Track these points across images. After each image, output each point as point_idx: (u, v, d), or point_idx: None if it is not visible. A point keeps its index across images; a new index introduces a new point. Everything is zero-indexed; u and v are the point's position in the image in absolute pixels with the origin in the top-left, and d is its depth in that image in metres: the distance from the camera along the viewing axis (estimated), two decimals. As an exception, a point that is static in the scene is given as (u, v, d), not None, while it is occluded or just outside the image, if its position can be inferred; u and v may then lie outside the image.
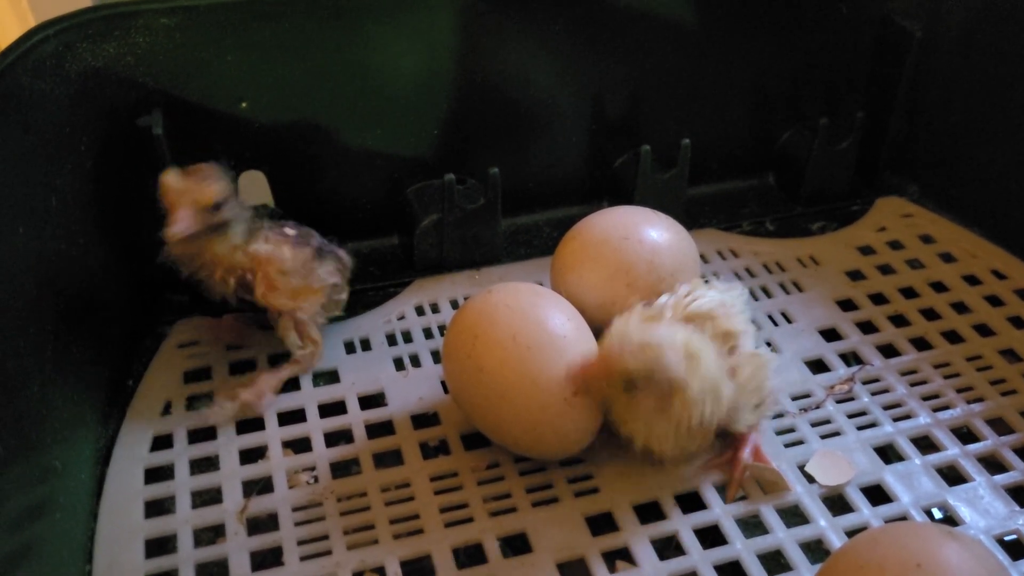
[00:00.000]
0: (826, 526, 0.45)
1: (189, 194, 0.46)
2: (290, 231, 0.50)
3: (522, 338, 0.44)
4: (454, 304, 0.58)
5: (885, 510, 0.46)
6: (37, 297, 0.45)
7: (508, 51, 0.58)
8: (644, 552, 0.44)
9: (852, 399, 0.52)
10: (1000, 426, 0.50)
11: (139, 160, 0.52)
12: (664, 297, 0.46)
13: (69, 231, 0.48)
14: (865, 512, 0.45)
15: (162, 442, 0.49)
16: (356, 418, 0.51)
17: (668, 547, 0.45)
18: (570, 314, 0.46)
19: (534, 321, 0.45)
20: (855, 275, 0.61)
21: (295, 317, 0.51)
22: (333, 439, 0.50)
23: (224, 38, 0.52)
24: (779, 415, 0.51)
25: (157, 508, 0.46)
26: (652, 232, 0.52)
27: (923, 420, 0.50)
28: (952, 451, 0.49)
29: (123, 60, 0.51)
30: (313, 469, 0.48)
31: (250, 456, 0.49)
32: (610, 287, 0.50)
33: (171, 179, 0.46)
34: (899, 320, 0.57)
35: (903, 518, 0.45)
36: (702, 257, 0.61)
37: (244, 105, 0.54)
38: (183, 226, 0.46)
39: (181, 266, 0.49)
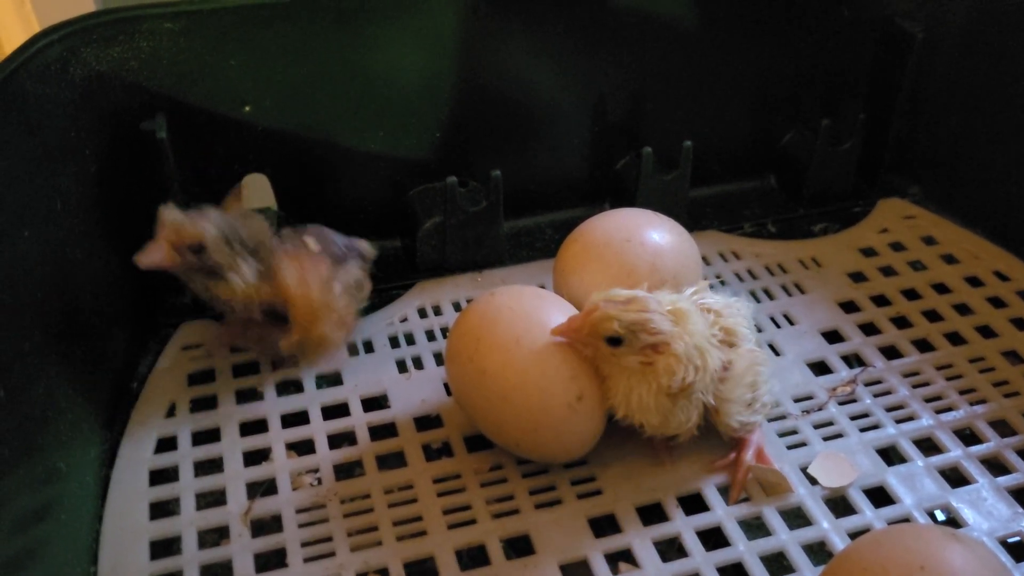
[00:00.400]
0: (829, 528, 0.45)
1: (173, 230, 0.47)
2: (313, 246, 0.51)
3: (525, 341, 0.45)
4: (456, 306, 0.58)
5: (888, 512, 0.46)
6: (42, 300, 0.45)
7: (510, 53, 0.58)
8: (647, 554, 0.44)
9: (854, 401, 0.52)
10: (1003, 428, 0.50)
11: (143, 164, 0.52)
12: (666, 293, 0.46)
13: (74, 234, 0.49)
14: (868, 514, 0.46)
15: (166, 444, 0.50)
16: (359, 420, 0.51)
17: (671, 549, 0.45)
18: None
19: (537, 324, 0.45)
20: (857, 277, 0.61)
21: (321, 332, 0.51)
22: (336, 441, 0.50)
23: (227, 42, 0.53)
24: (781, 417, 0.51)
25: (161, 510, 0.46)
26: (654, 234, 0.52)
27: (925, 422, 0.50)
28: (955, 453, 0.49)
29: (127, 64, 0.51)
30: (317, 471, 0.48)
31: (254, 458, 0.49)
32: None
33: (164, 212, 0.47)
34: (901, 322, 0.57)
35: (906, 520, 0.45)
36: (704, 259, 0.61)
37: (247, 109, 0.55)
38: (149, 258, 0.47)
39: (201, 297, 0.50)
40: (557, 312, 0.46)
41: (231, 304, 0.50)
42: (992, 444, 0.49)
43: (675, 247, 0.52)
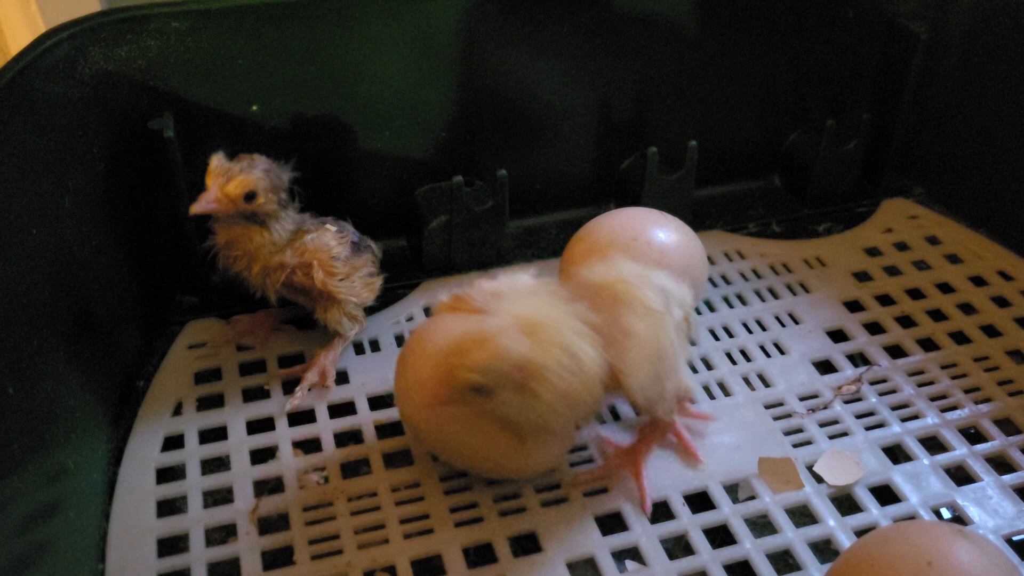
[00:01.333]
0: (835, 526, 0.45)
1: (225, 177, 0.48)
2: (331, 226, 0.52)
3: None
4: (462, 305, 0.58)
5: (894, 510, 0.46)
6: (50, 298, 0.45)
7: (516, 54, 0.58)
8: (654, 552, 0.44)
9: (860, 400, 0.52)
10: (1008, 426, 0.51)
11: (151, 162, 0.53)
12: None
13: (82, 232, 0.49)
14: (874, 512, 0.46)
15: (173, 442, 0.50)
16: (366, 419, 0.51)
17: (677, 547, 0.45)
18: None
19: None
20: (862, 276, 0.61)
21: (344, 309, 0.52)
22: (343, 439, 0.50)
23: (234, 41, 0.53)
24: (787, 415, 0.51)
25: (169, 508, 0.47)
26: (660, 233, 0.52)
27: (931, 420, 0.51)
28: (960, 451, 0.49)
29: (135, 63, 0.51)
30: (323, 469, 0.48)
31: (261, 456, 0.49)
32: None
33: (215, 161, 0.48)
34: (906, 321, 0.57)
35: (911, 518, 0.46)
36: (709, 259, 0.61)
37: (255, 108, 0.55)
38: (203, 204, 0.48)
39: (220, 257, 0.51)
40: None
41: (251, 263, 0.50)
42: (997, 442, 0.49)
43: (681, 246, 0.52)
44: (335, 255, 0.51)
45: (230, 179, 0.48)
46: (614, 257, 0.45)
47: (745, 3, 0.61)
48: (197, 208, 0.48)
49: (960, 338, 0.56)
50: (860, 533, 0.44)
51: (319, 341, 0.54)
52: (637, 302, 0.43)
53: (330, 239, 0.51)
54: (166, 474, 0.48)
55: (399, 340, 0.56)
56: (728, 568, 0.43)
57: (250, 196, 0.48)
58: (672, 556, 0.44)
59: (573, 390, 0.40)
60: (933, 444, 0.50)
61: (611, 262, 0.45)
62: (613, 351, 0.42)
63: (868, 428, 0.50)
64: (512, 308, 0.40)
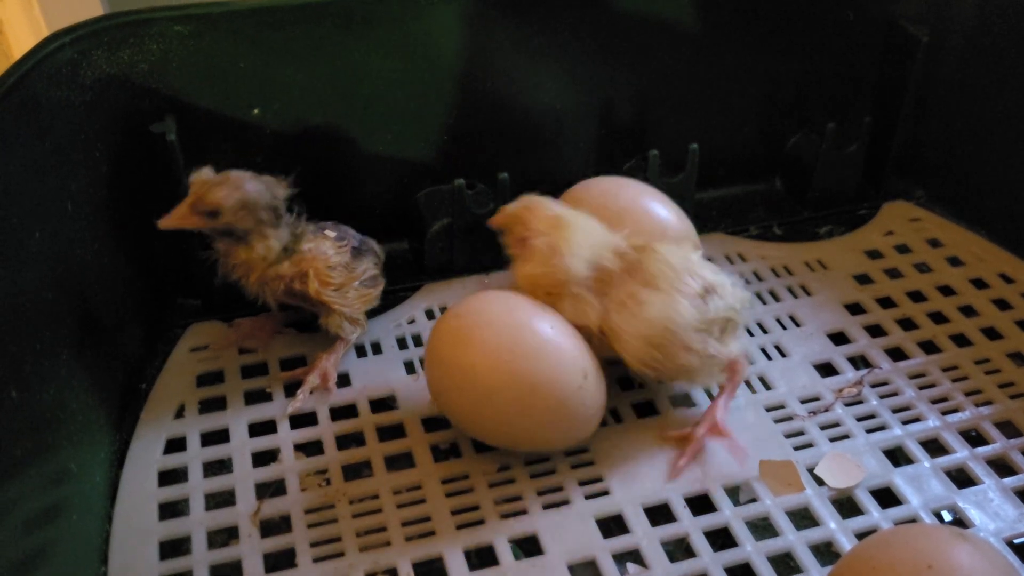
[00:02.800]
0: (836, 528, 0.45)
1: (195, 193, 0.48)
2: (330, 232, 0.52)
3: (526, 333, 0.46)
4: (464, 308, 0.58)
5: (894, 512, 0.46)
6: (53, 301, 0.45)
7: (517, 57, 0.58)
8: (655, 554, 0.44)
9: (861, 402, 0.52)
10: (1009, 429, 0.51)
11: (153, 165, 0.53)
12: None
13: (84, 236, 0.49)
14: (875, 514, 0.46)
15: (175, 445, 0.50)
16: (367, 421, 0.51)
17: (679, 549, 0.45)
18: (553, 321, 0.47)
19: (533, 315, 0.47)
20: (863, 279, 0.61)
21: (345, 314, 0.52)
22: (344, 442, 0.50)
23: (236, 45, 0.53)
24: (788, 418, 0.51)
25: (171, 510, 0.47)
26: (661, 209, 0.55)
27: (932, 423, 0.51)
28: (961, 454, 0.49)
29: (137, 67, 0.52)
30: (325, 472, 0.48)
31: (262, 459, 0.49)
32: None
33: (195, 176, 0.48)
34: (907, 324, 0.57)
35: (912, 520, 0.46)
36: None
37: (256, 111, 0.55)
38: (169, 219, 0.48)
39: (220, 265, 0.51)
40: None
41: (247, 274, 0.51)
42: (998, 445, 0.49)
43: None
44: (332, 264, 0.51)
45: (199, 196, 0.48)
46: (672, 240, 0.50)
47: (746, 6, 0.61)
48: (164, 223, 0.48)
49: (961, 340, 0.56)
50: (861, 536, 0.44)
51: (321, 344, 0.54)
52: (665, 279, 0.47)
53: (328, 248, 0.51)
54: (168, 476, 0.48)
55: (400, 343, 0.56)
56: (729, 571, 0.43)
57: (213, 214, 0.48)
58: (673, 558, 0.44)
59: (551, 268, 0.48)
60: (934, 447, 0.50)
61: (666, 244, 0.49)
62: (614, 307, 0.47)
63: (869, 431, 0.50)
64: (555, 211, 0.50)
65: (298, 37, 0.54)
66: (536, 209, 0.50)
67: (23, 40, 0.68)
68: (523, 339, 0.45)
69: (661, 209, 0.55)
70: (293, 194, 0.51)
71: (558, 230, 0.49)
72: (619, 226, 0.50)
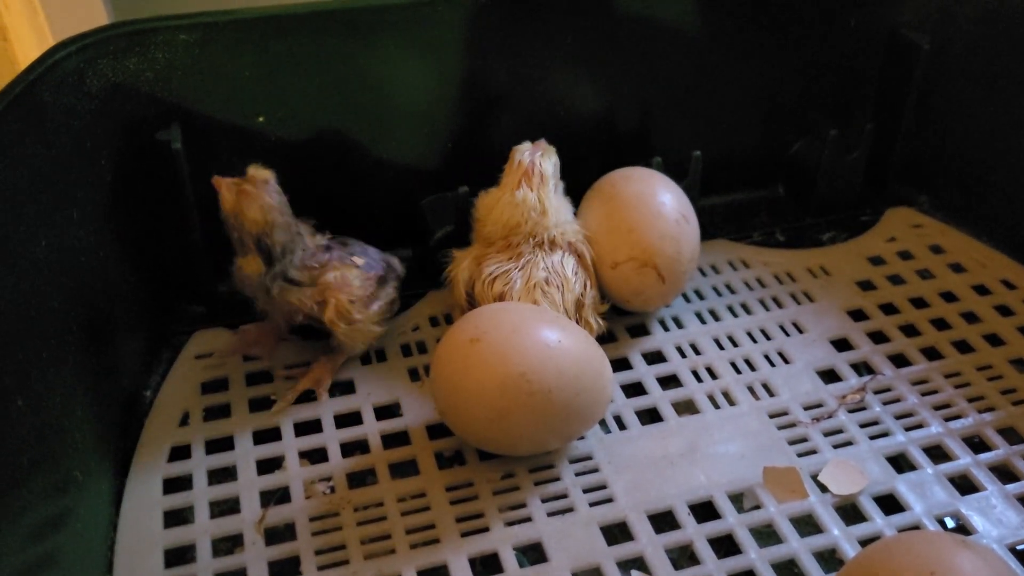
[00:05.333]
0: (839, 535, 0.45)
1: (242, 190, 0.49)
2: (358, 260, 0.52)
3: (552, 336, 0.46)
4: (467, 315, 0.58)
5: (898, 519, 0.46)
6: (58, 309, 0.45)
7: (520, 64, 0.59)
8: (659, 561, 0.44)
9: (864, 409, 0.52)
10: (1011, 435, 0.51)
11: (158, 173, 0.53)
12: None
13: (90, 243, 0.49)
14: (878, 521, 0.46)
15: (180, 452, 0.50)
16: (372, 429, 0.51)
17: (683, 556, 0.45)
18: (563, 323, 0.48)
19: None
20: (865, 285, 0.61)
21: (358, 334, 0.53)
22: (349, 449, 0.50)
23: (241, 53, 0.53)
24: (791, 425, 0.51)
25: (176, 518, 0.47)
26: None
27: (935, 429, 0.51)
28: (964, 460, 0.49)
29: (143, 75, 0.52)
30: (330, 479, 0.48)
31: (267, 466, 0.49)
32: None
33: (253, 171, 0.50)
34: (910, 330, 0.58)
35: (916, 527, 0.46)
36: (713, 268, 0.62)
37: (261, 119, 0.55)
38: (220, 181, 0.49)
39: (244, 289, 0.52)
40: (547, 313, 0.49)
41: (259, 302, 0.51)
42: (1001, 451, 0.49)
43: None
44: (355, 298, 0.51)
45: (241, 204, 0.49)
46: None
47: (748, 14, 0.61)
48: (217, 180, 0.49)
49: (964, 347, 0.56)
50: (864, 543, 0.45)
51: (327, 352, 0.54)
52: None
53: (354, 279, 0.51)
54: (173, 484, 0.48)
55: (405, 350, 0.56)
56: (733, 578, 0.44)
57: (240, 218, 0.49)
58: (677, 566, 0.44)
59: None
60: (937, 453, 0.50)
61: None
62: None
63: (872, 437, 0.50)
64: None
65: (303, 45, 0.54)
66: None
67: (28, 48, 0.68)
68: (531, 352, 0.45)
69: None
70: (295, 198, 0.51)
71: (544, 187, 0.53)
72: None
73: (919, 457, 0.49)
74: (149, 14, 0.52)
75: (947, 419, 0.51)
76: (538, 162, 0.54)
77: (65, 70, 0.48)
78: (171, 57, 0.52)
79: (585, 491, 0.47)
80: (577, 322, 0.52)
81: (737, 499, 0.47)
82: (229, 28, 0.52)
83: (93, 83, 0.50)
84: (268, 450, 0.50)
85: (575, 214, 0.57)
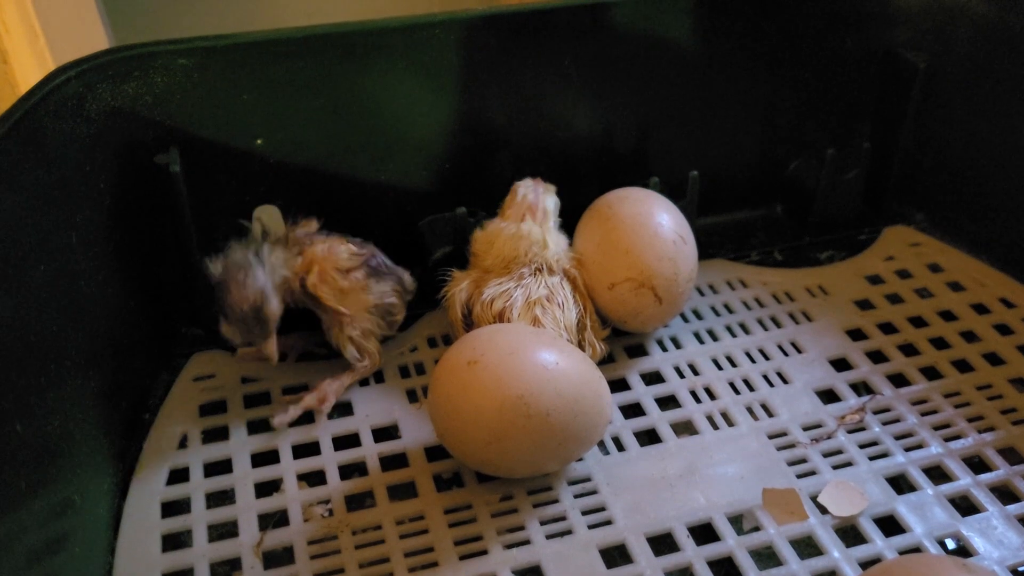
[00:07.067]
0: (840, 557, 0.45)
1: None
2: (353, 246, 0.53)
3: (551, 356, 0.47)
4: (466, 336, 0.58)
5: (898, 541, 0.46)
6: (58, 332, 0.45)
7: (517, 85, 0.59)
8: (658, 584, 0.44)
9: (863, 429, 0.52)
10: (1012, 455, 0.50)
11: (157, 197, 0.53)
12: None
13: (89, 267, 0.49)
14: (878, 543, 0.46)
15: (178, 475, 0.50)
16: (370, 450, 0.51)
17: (682, 579, 0.45)
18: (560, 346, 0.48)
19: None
20: (864, 304, 0.61)
21: (347, 333, 0.53)
22: (347, 472, 0.50)
23: (240, 77, 0.53)
24: (791, 445, 0.51)
25: (174, 542, 0.47)
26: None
27: (935, 450, 0.51)
28: (964, 481, 0.49)
29: (142, 99, 0.52)
30: (328, 502, 0.48)
31: (265, 489, 0.49)
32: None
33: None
34: (909, 349, 0.58)
35: (916, 549, 0.45)
36: (711, 287, 0.62)
37: (259, 142, 0.55)
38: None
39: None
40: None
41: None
42: (1001, 472, 0.49)
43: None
44: (340, 267, 0.52)
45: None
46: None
47: (745, 33, 0.62)
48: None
49: (963, 366, 0.56)
50: (865, 565, 0.44)
51: (327, 375, 0.54)
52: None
53: (342, 251, 0.52)
54: (171, 508, 0.48)
55: (403, 371, 0.56)
56: (733, 600, 0.43)
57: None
58: (677, 589, 0.44)
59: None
60: (937, 474, 0.50)
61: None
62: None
63: (872, 458, 0.50)
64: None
65: (301, 68, 0.54)
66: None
67: (28, 72, 0.69)
68: (529, 375, 0.45)
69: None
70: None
71: (546, 222, 0.55)
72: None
73: (919, 478, 0.49)
74: (149, 38, 0.52)
75: (947, 439, 0.51)
76: (542, 198, 0.56)
77: (65, 94, 0.49)
78: (170, 81, 0.52)
79: (584, 513, 0.47)
80: (579, 345, 0.52)
81: (736, 521, 0.47)
82: (227, 52, 0.53)
83: (92, 107, 0.50)
84: (266, 473, 0.50)
85: (571, 237, 0.57)
